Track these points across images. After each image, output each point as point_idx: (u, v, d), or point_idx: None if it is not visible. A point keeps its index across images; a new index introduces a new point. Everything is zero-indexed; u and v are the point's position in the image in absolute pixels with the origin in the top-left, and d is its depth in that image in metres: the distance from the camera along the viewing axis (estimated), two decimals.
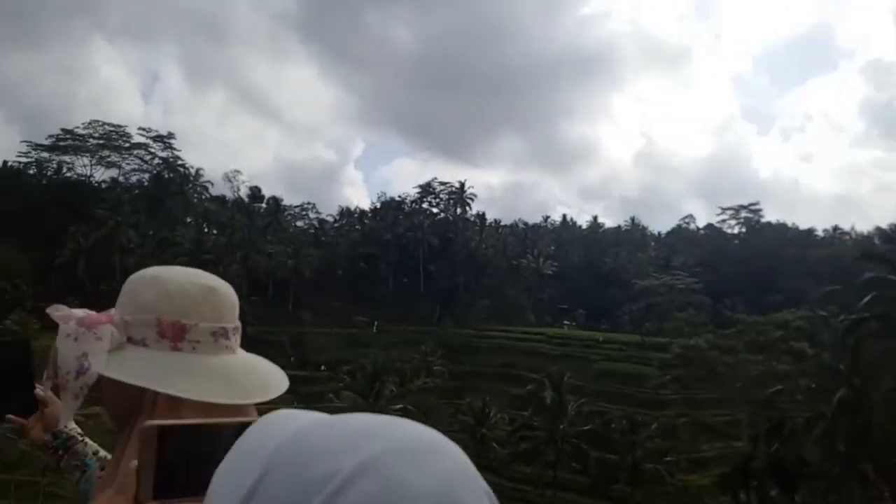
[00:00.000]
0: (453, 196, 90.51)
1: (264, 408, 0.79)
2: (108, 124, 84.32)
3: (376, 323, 65.64)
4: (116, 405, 1.00)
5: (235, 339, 1.05)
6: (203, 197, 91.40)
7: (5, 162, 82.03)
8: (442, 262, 77.16)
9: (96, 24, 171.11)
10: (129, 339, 0.99)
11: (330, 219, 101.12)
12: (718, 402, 43.84)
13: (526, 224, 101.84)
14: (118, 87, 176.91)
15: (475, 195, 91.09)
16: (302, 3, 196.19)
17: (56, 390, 1.03)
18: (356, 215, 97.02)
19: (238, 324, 1.06)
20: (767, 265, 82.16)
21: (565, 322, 76.72)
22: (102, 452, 1.34)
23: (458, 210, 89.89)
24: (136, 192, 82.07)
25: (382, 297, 73.70)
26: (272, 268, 68.39)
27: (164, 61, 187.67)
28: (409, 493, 0.45)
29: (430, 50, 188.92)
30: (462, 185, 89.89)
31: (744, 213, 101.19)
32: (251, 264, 67.48)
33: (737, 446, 37.69)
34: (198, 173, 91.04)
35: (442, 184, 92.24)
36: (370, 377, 41.77)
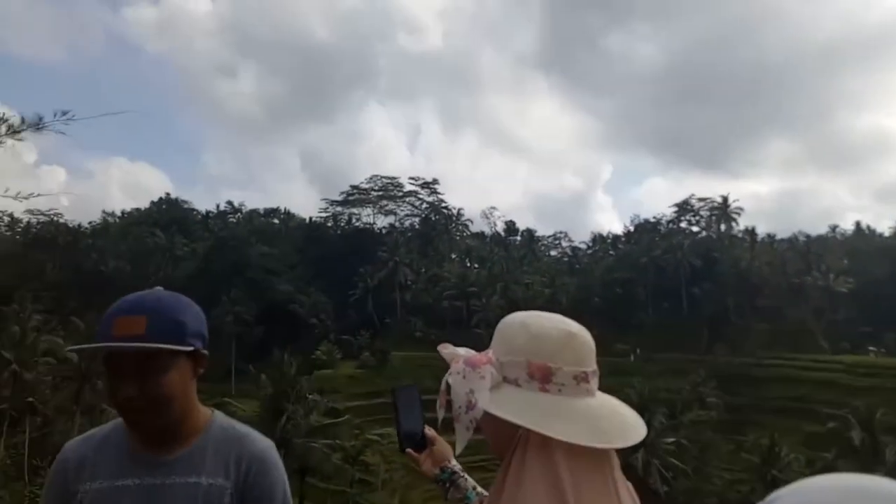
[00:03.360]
0: (715, 212, 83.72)
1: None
2: (385, 177, 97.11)
3: (637, 350, 63.08)
4: (494, 439, 1.08)
5: (594, 383, 1.08)
6: (464, 234, 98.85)
7: (310, 218, 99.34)
8: (707, 284, 71.31)
9: (370, 92, 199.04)
10: (505, 379, 1.06)
11: (583, 246, 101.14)
12: None
13: (807, 236, 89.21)
14: (389, 143, 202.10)
15: (741, 209, 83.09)
16: (541, 39, 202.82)
17: (449, 420, 1.13)
18: (609, 240, 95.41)
19: (596, 368, 1.10)
20: None
21: (871, 348, 64.62)
22: (479, 488, 1.47)
23: (723, 226, 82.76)
24: (409, 234, 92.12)
25: (642, 323, 70.71)
26: (530, 297, 70.44)
27: (424, 115, 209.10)
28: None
29: (675, 61, 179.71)
30: (725, 199, 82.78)
31: None
32: (510, 295, 70.46)
33: None
34: (459, 213, 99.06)
35: (701, 200, 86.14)
36: (636, 408, 38.35)
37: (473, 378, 1.05)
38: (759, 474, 36.87)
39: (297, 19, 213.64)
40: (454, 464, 1.49)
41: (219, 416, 1.57)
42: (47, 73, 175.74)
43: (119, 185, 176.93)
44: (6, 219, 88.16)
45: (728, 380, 54.22)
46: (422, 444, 1.48)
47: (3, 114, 3.56)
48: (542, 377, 1.04)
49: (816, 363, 57.41)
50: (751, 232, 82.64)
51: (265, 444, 1.55)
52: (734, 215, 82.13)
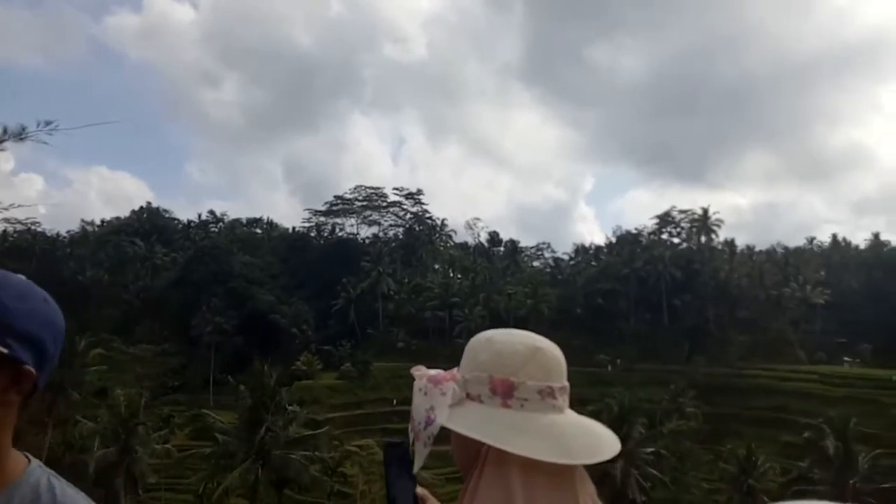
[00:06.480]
0: (696, 224, 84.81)
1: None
2: (369, 187, 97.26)
3: (618, 361, 63.46)
4: (459, 456, 1.07)
5: (563, 399, 1.05)
6: (448, 245, 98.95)
7: (293, 228, 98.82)
8: (688, 296, 72.11)
9: (355, 102, 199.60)
10: (468, 396, 1.05)
11: (565, 257, 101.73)
12: None
13: (786, 248, 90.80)
14: (373, 153, 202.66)
15: (721, 221, 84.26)
16: (524, 51, 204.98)
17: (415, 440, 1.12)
18: (591, 252, 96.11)
19: (566, 384, 1.06)
20: None
21: (846, 359, 65.67)
22: None
23: (703, 238, 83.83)
24: (393, 244, 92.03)
25: (623, 333, 71.19)
26: (512, 307, 70.66)
27: (408, 126, 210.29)
28: None
29: (659, 74, 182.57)
30: (705, 211, 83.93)
31: None
32: (492, 305, 70.57)
33: None
34: (443, 224, 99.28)
35: (682, 212, 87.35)
36: (617, 418, 40.26)
37: (434, 394, 1.04)
38: (735, 484, 37.12)
39: (282, 28, 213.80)
40: None
41: (36, 471, 1.07)
42: (24, 80, 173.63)
43: (99, 193, 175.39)
44: None
45: (707, 390, 54.70)
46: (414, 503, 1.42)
47: None
48: (504, 392, 1.01)
49: (793, 373, 58.20)
50: (730, 244, 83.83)
51: None
52: (714, 227, 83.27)
